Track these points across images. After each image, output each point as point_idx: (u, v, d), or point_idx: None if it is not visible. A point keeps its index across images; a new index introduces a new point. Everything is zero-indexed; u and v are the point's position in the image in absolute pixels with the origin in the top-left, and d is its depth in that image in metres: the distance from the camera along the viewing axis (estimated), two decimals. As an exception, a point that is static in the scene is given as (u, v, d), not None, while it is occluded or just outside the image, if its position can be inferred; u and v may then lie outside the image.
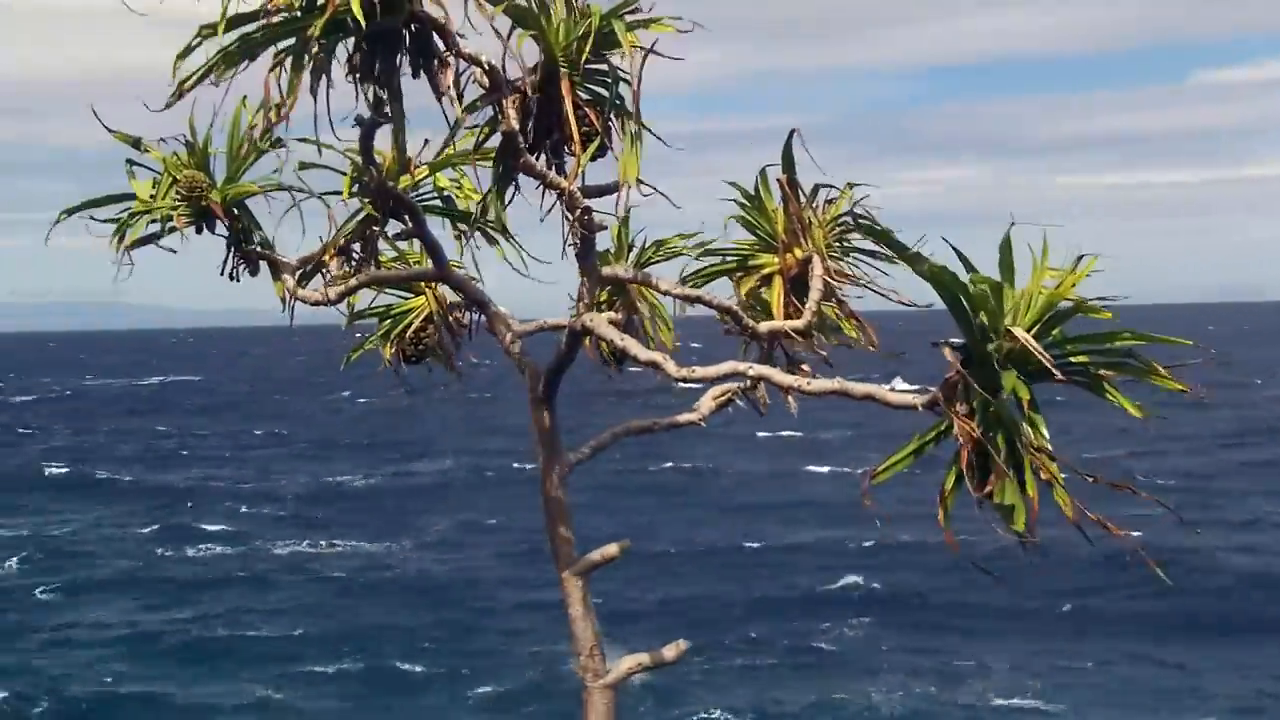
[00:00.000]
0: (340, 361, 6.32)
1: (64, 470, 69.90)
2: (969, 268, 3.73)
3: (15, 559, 46.54)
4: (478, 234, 5.34)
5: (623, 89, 4.39)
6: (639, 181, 4.41)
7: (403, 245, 5.60)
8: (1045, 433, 3.80)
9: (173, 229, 5.16)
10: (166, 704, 30.57)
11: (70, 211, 5.17)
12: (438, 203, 5.38)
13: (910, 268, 3.80)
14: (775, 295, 5.15)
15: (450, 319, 6.04)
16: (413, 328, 6.07)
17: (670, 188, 4.56)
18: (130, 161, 5.21)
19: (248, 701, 30.65)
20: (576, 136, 4.31)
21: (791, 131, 4.83)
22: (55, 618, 38.06)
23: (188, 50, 4.26)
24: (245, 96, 4.89)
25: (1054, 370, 3.66)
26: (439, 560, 45.49)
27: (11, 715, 29.85)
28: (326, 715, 29.72)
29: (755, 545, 45.95)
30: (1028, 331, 3.69)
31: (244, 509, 57.52)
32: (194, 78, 4.32)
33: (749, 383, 5.03)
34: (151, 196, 5.13)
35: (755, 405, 5.34)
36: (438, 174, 5.25)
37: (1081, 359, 3.78)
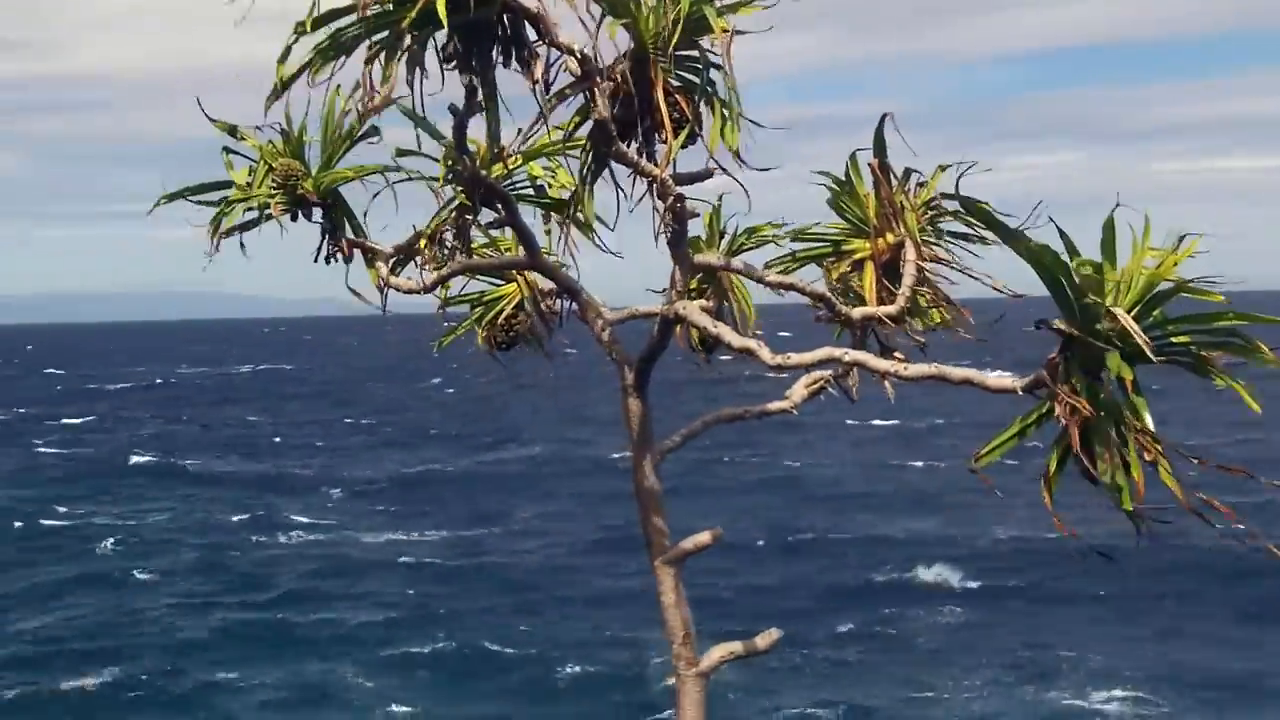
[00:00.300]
0: (431, 349, 6.36)
1: (156, 458, 71.15)
2: (1071, 249, 3.67)
3: (110, 542, 47.49)
4: (569, 222, 5.34)
5: (714, 73, 4.38)
6: (738, 158, 4.39)
7: (495, 233, 5.62)
8: (1148, 416, 3.73)
9: (269, 217, 5.21)
10: (257, 688, 31.04)
11: (170, 197, 5.22)
12: (529, 191, 5.39)
13: (1011, 248, 3.74)
14: (868, 281, 5.10)
15: (542, 306, 6.06)
16: (504, 315, 6.09)
17: (761, 175, 4.53)
18: (227, 149, 5.26)
19: (338, 685, 31.05)
20: (668, 123, 4.29)
21: (883, 115, 4.78)
22: (149, 601, 38.76)
23: (287, 52, 4.32)
24: (339, 85, 4.93)
25: (1149, 351, 3.59)
26: (528, 547, 45.76)
27: (109, 696, 30.45)
28: (417, 699, 30.01)
29: (845, 535, 45.75)
30: (1128, 312, 3.62)
31: (334, 496, 58.24)
32: (292, 75, 4.37)
33: (842, 369, 5.00)
34: (248, 184, 5.19)
35: (847, 393, 5.29)
36: (531, 163, 5.26)
37: (1183, 339, 3.70)
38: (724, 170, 4.43)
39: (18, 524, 49.91)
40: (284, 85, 4.44)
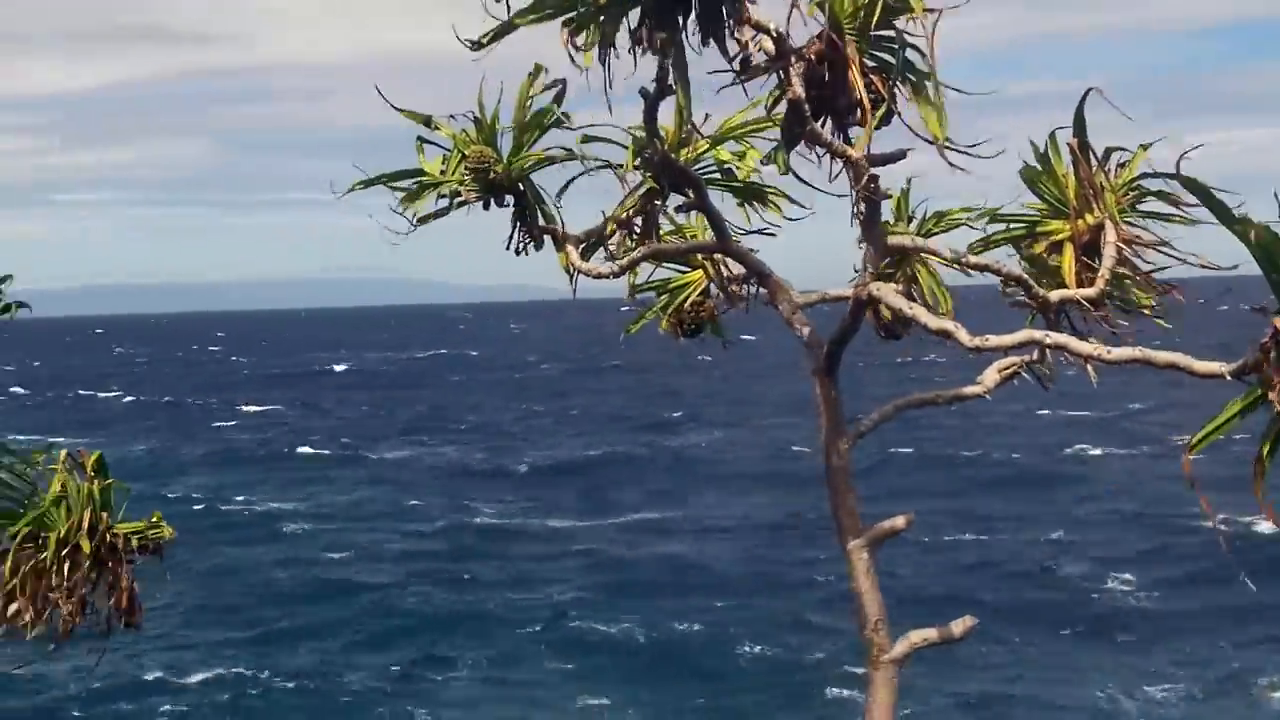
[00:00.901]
0: (614, 333, 6.39)
1: (342, 443, 72.86)
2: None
3: (297, 526, 48.83)
4: (758, 204, 5.32)
5: (910, 53, 4.31)
6: (944, 144, 4.31)
7: (680, 219, 5.63)
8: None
9: (460, 203, 5.28)
10: (447, 669, 31.63)
11: (365, 183, 5.34)
12: (717, 175, 5.38)
13: (1228, 228, 3.60)
14: (1066, 262, 4.98)
15: (727, 291, 6.06)
16: (690, 301, 6.10)
17: (950, 156, 4.45)
18: (421, 139, 5.35)
19: (525, 667, 31.50)
20: (866, 103, 4.24)
21: (1087, 91, 4.65)
22: (340, 584, 39.72)
23: (493, 36, 4.36)
24: (530, 72, 4.98)
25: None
26: (711, 532, 45.83)
27: (320, 684, 31.25)
28: (603, 682, 30.30)
29: (1036, 524, 44.84)
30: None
31: (518, 480, 59.03)
32: (484, 49, 4.42)
33: (1039, 354, 4.89)
34: (441, 173, 5.27)
35: (1040, 379, 5.19)
36: (718, 147, 5.24)
37: None
38: (941, 151, 4.34)
39: (205, 509, 51.46)
40: (482, 47, 4.45)
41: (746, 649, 31.75)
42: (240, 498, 55.31)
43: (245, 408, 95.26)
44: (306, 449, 70.45)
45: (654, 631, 33.44)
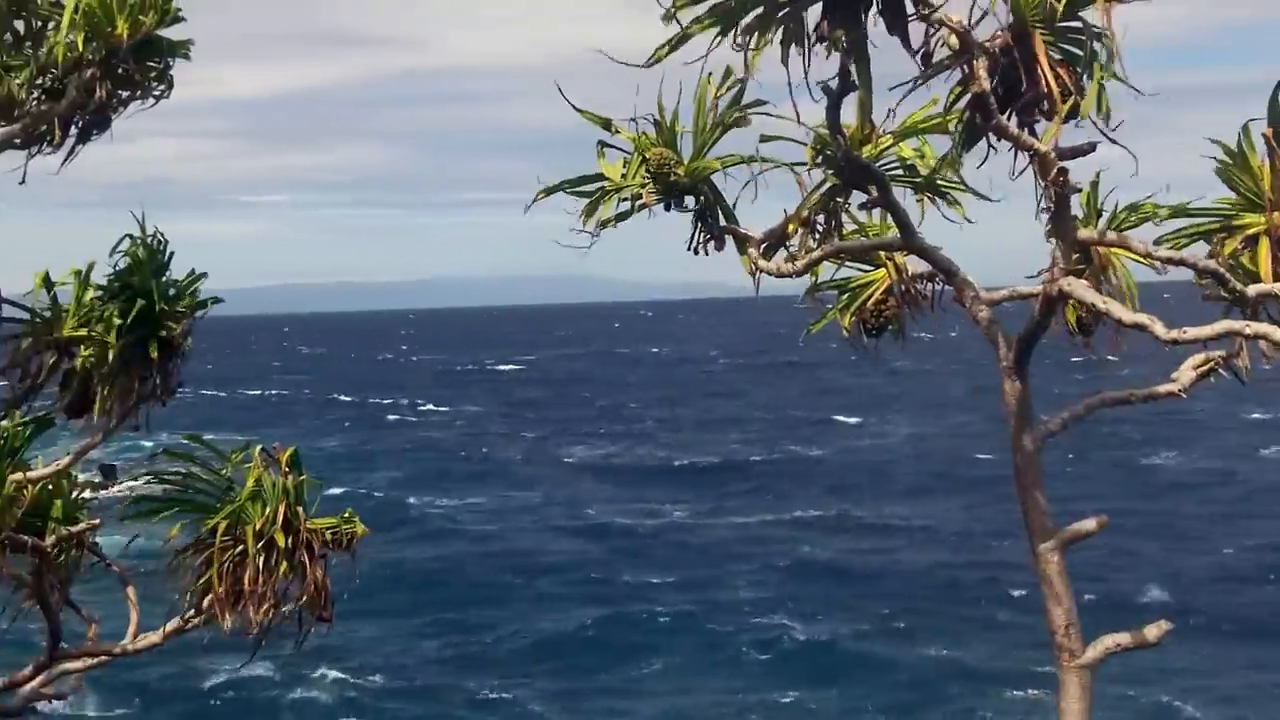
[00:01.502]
0: (796, 333, 6.36)
1: (527, 438, 73.73)
2: None
3: (480, 524, 49.51)
4: (940, 200, 5.25)
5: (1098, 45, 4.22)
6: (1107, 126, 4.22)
7: (862, 217, 5.58)
8: None
9: (642, 206, 5.31)
10: (635, 668, 31.81)
11: (547, 191, 5.41)
12: (899, 171, 5.32)
13: None
14: (1262, 257, 4.83)
15: (911, 290, 6.00)
16: (873, 299, 6.06)
17: (1140, 147, 4.35)
18: (602, 144, 5.40)
19: (712, 663, 31.56)
20: (1057, 95, 4.15)
21: (1281, 81, 4.51)
22: (516, 586, 40.21)
23: (670, 48, 4.39)
24: (710, 74, 4.99)
25: None
26: (895, 530, 45.41)
27: (503, 683, 31.66)
28: (790, 676, 30.21)
29: (1233, 529, 43.37)
30: None
31: (697, 479, 59.09)
32: (665, 49, 4.44)
33: (1238, 348, 4.75)
34: (622, 176, 5.30)
35: (1238, 374, 5.03)
36: (901, 143, 5.19)
37: None
38: (1112, 140, 4.25)
39: (388, 505, 52.36)
40: (659, 58, 4.48)
41: (932, 650, 31.36)
42: (422, 495, 56.29)
43: (428, 406, 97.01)
44: (485, 448, 71.47)
45: (840, 630, 33.24)
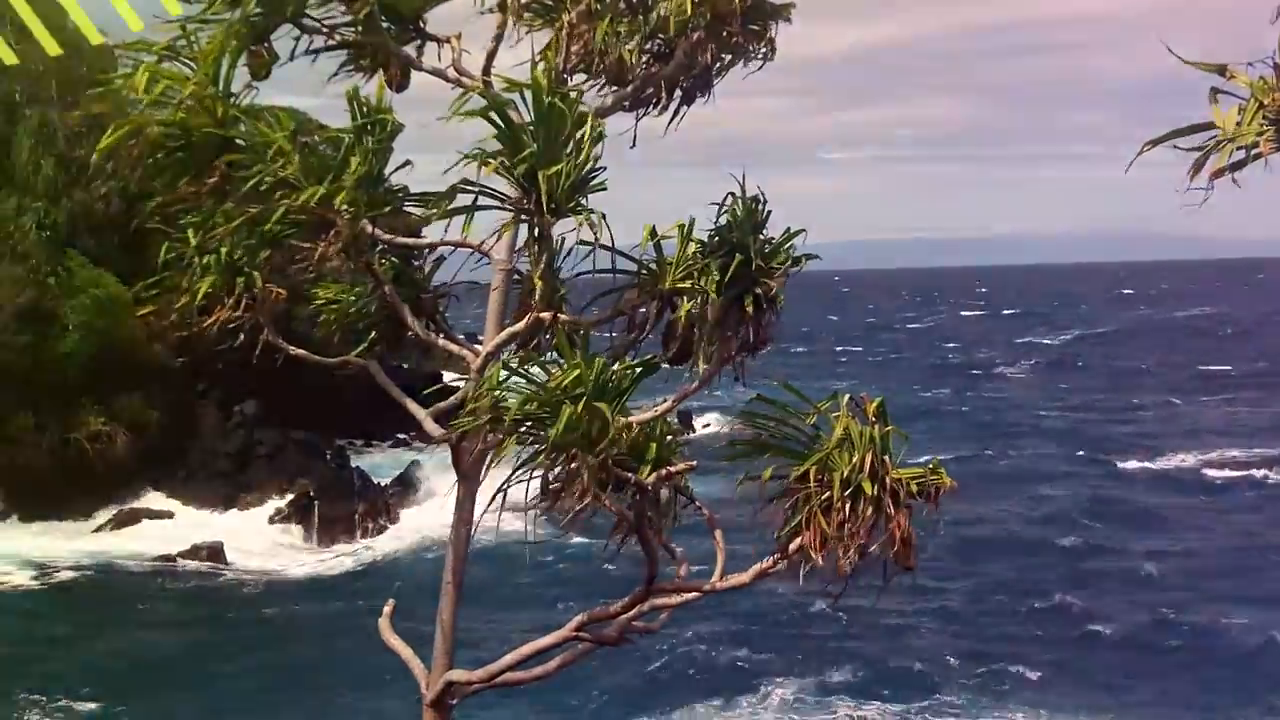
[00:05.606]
0: None
1: (1114, 409, 71.09)
2: None
3: (1032, 495, 48.22)
4: None
5: None
6: None
7: None
8: None
9: (1257, 156, 4.98)
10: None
11: (1153, 143, 5.18)
12: None
13: None
14: None
15: None
16: None
17: None
18: (1214, 89, 5.10)
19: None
20: None
21: None
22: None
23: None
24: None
25: None
26: None
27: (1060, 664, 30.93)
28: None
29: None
30: None
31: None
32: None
33: None
34: (1237, 124, 4.99)
35: None
36: None
37: None
38: None
39: (963, 463, 51.67)
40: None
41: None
42: (994, 456, 55.59)
43: (1006, 369, 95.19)
44: (1052, 412, 69.45)
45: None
